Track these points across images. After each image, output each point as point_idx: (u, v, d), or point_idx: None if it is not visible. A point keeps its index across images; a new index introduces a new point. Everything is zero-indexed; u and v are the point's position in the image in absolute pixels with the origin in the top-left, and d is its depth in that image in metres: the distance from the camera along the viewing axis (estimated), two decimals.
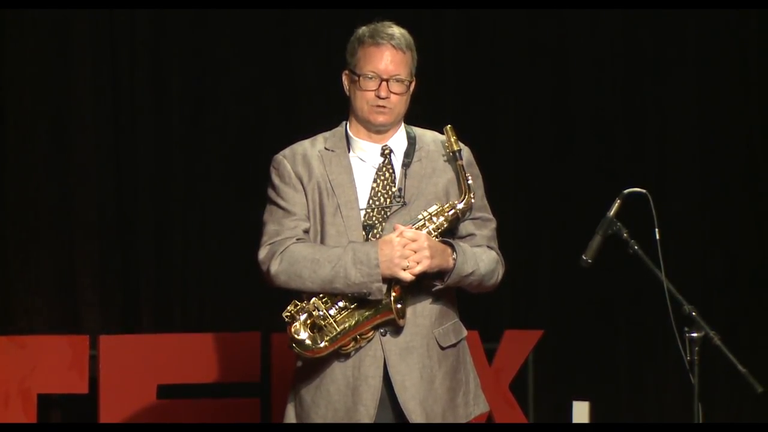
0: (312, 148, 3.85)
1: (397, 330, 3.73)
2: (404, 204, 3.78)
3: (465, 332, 3.88)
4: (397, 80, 3.78)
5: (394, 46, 3.78)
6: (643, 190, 3.97)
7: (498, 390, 6.13)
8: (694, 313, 3.83)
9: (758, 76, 6.68)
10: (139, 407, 5.62)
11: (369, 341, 3.72)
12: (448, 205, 3.77)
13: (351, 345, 3.71)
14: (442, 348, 3.79)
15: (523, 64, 6.66)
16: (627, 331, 6.65)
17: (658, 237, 3.94)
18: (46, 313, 5.93)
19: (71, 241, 5.99)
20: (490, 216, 3.89)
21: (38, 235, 5.94)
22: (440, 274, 3.72)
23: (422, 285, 3.73)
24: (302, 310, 3.69)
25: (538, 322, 6.44)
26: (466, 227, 3.83)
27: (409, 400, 3.72)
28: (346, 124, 3.88)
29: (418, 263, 3.66)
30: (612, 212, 3.96)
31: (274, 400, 5.75)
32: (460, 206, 3.78)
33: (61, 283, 5.98)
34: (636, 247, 3.91)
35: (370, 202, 3.79)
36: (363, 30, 3.83)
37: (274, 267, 3.73)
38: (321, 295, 3.70)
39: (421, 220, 3.73)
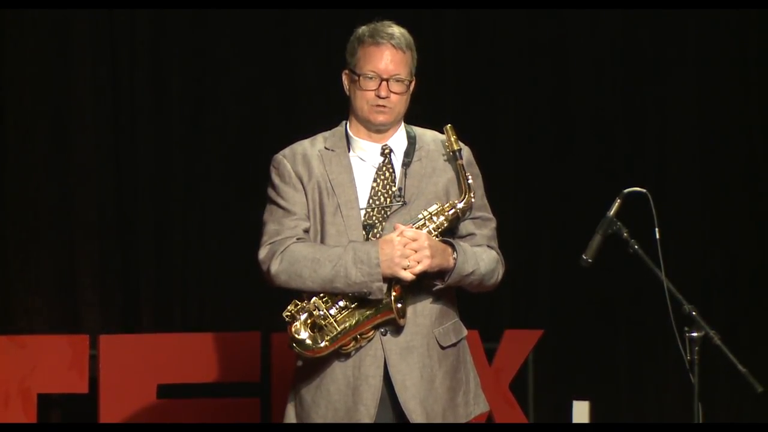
0: (312, 147, 3.85)
1: (397, 329, 3.73)
2: (404, 203, 3.78)
3: (465, 332, 3.88)
4: (397, 80, 3.78)
5: (394, 46, 3.78)
6: (643, 190, 3.97)
7: (498, 390, 6.12)
8: (694, 313, 3.83)
9: (758, 76, 6.68)
10: (139, 407, 5.62)
11: (369, 341, 3.72)
12: (448, 204, 3.77)
13: (351, 344, 3.71)
14: (443, 347, 3.79)
15: (523, 64, 6.66)
16: (627, 331, 6.65)
17: (658, 237, 3.94)
18: (46, 313, 5.93)
19: (71, 241, 5.99)
20: (490, 215, 3.89)
21: (38, 235, 5.94)
22: (441, 273, 3.72)
23: (422, 284, 3.73)
24: (303, 310, 3.69)
25: (538, 322, 6.44)
26: (466, 227, 3.83)
27: (410, 399, 3.72)
28: (346, 124, 3.88)
29: (418, 263, 3.65)
30: (612, 212, 3.96)
31: (274, 400, 5.75)
32: (461, 206, 3.78)
33: (61, 283, 5.98)
34: (636, 247, 3.91)
35: (370, 201, 3.79)
36: (363, 30, 3.83)
37: (275, 267, 3.73)
38: (321, 295, 3.70)
39: (421, 219, 3.73)
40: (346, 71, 3.84)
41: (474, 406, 3.87)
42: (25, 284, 5.91)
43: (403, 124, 3.88)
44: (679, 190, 6.64)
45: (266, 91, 6.27)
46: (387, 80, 3.77)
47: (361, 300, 3.69)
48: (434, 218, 3.74)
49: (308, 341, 3.67)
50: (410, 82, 3.82)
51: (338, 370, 3.74)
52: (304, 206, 3.80)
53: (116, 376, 5.61)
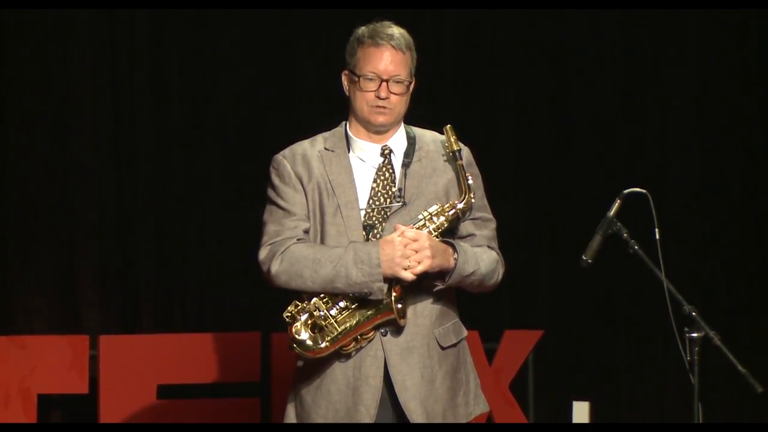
0: (312, 148, 3.85)
1: (397, 330, 3.73)
2: (404, 204, 3.78)
3: (465, 332, 3.88)
4: (397, 81, 3.78)
5: (393, 47, 3.78)
6: (643, 190, 3.97)
7: (498, 390, 6.13)
8: (694, 313, 3.83)
9: (758, 76, 6.68)
10: (139, 407, 5.62)
11: (370, 341, 3.72)
12: (448, 204, 3.77)
13: (352, 345, 3.71)
14: (443, 348, 3.79)
15: (523, 64, 6.66)
16: (627, 331, 6.65)
17: (658, 237, 3.93)
18: (46, 313, 5.93)
19: (71, 241, 5.99)
20: (490, 216, 3.89)
21: (38, 235, 5.94)
22: (441, 274, 3.72)
23: (423, 285, 3.73)
24: (303, 311, 3.69)
25: (538, 322, 6.44)
26: (466, 227, 3.83)
27: (410, 399, 3.72)
28: (345, 124, 3.88)
29: (419, 263, 3.65)
30: (612, 212, 3.96)
31: (274, 400, 5.75)
32: (461, 206, 3.77)
33: (61, 283, 5.98)
34: (636, 247, 3.91)
35: (370, 202, 3.79)
36: (362, 30, 3.82)
37: (275, 267, 3.73)
38: (322, 295, 3.70)
39: (421, 219, 3.73)
40: (346, 72, 3.84)
41: (474, 407, 3.87)
42: (25, 284, 5.91)
43: (402, 124, 3.88)
44: (679, 190, 6.64)
45: (266, 91, 6.28)
46: (387, 81, 3.77)
47: (361, 300, 3.69)
48: (434, 219, 3.74)
49: (309, 342, 3.67)
50: (410, 82, 3.82)
51: (338, 370, 3.74)
52: (304, 207, 3.80)
53: (116, 376, 5.61)
